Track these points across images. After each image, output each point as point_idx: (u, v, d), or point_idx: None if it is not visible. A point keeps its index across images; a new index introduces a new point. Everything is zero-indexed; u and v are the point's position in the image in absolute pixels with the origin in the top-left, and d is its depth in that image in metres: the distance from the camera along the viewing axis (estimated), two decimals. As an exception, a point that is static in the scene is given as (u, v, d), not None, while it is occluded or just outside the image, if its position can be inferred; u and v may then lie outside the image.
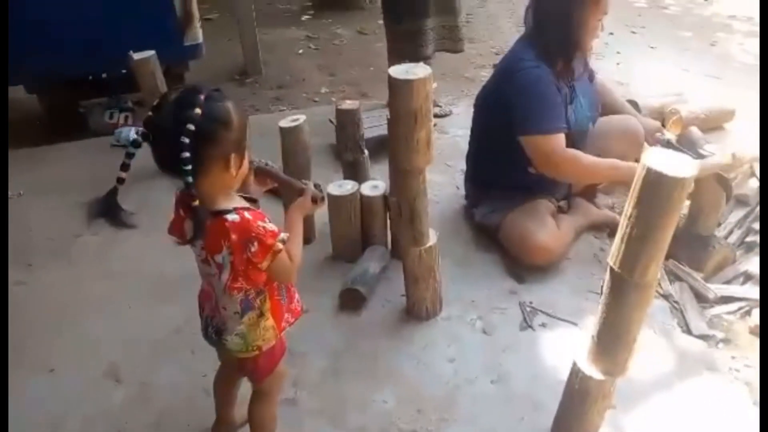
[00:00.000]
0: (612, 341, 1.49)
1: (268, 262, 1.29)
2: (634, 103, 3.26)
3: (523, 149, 2.21)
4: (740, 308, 2.15)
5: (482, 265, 2.38)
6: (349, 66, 4.50)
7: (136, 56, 2.79)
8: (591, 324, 1.51)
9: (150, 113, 1.23)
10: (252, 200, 1.38)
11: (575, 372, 1.57)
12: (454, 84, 3.96)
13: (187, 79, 3.79)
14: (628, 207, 1.32)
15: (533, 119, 2.15)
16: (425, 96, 1.72)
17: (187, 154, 1.16)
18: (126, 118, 3.53)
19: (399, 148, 1.84)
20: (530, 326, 2.10)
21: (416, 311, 2.12)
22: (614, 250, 1.39)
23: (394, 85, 1.72)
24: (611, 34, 4.81)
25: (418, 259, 2.01)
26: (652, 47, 4.59)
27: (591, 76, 2.44)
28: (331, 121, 3.03)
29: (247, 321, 1.40)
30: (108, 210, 1.24)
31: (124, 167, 1.28)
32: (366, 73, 4.37)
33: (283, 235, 1.31)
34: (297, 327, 2.07)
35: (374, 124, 3.14)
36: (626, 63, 4.27)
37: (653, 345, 2.00)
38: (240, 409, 1.72)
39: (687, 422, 1.77)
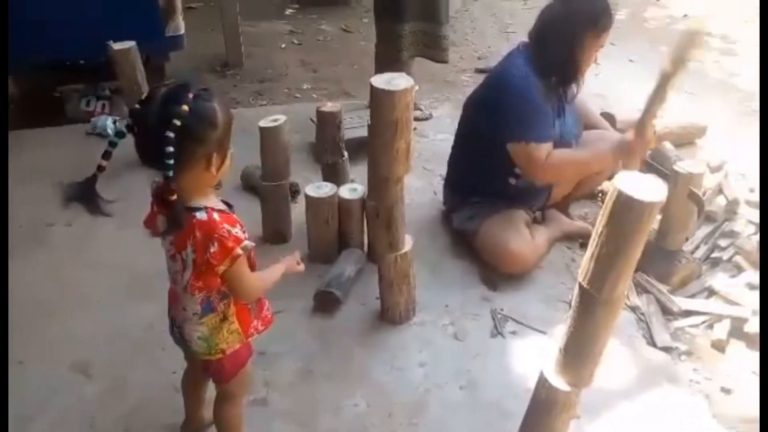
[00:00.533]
0: (579, 354, 1.53)
1: (225, 266, 1.28)
2: (610, 116, 3.33)
3: (509, 157, 2.26)
4: (703, 322, 2.22)
5: (457, 272, 2.42)
6: (332, 63, 4.50)
7: (116, 46, 2.75)
8: (559, 333, 1.55)
9: (137, 105, 1.24)
10: (228, 204, 1.39)
11: (542, 382, 1.61)
12: (435, 87, 3.98)
13: (167, 70, 3.75)
14: (599, 226, 1.36)
15: (524, 127, 2.20)
16: (406, 106, 1.74)
17: (170, 149, 1.16)
18: (103, 106, 3.49)
19: (378, 156, 1.86)
20: (500, 333, 2.14)
21: (390, 315, 2.15)
22: (583, 267, 1.43)
23: (375, 95, 1.74)
24: (592, 44, 4.89)
25: (394, 264, 2.04)
26: (630, 60, 4.67)
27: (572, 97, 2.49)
28: (312, 121, 3.03)
29: (208, 323, 1.39)
30: (85, 195, 1.22)
31: (106, 155, 1.28)
32: (349, 71, 4.36)
33: (246, 243, 1.30)
34: (271, 327, 2.10)
35: (355, 125, 3.15)
36: (605, 75, 4.33)
37: (618, 355, 2.05)
38: (209, 409, 1.72)
39: (647, 432, 1.83)
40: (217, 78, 4.17)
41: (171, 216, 1.25)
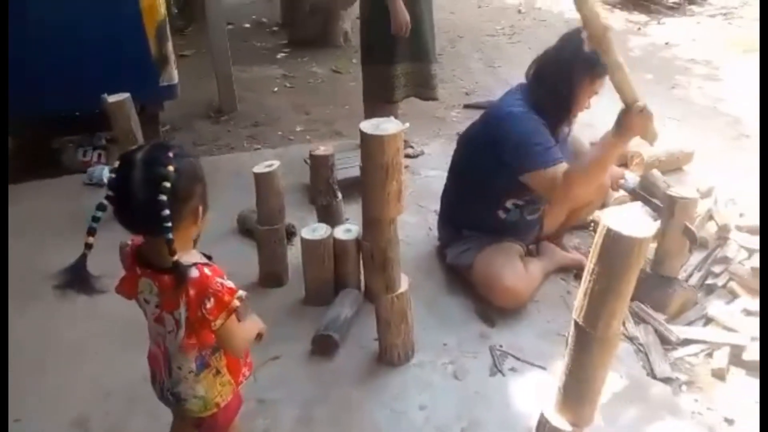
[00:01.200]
0: (578, 393, 1.53)
1: (222, 320, 1.27)
2: (599, 147, 3.38)
3: (500, 191, 2.33)
4: (702, 350, 2.21)
5: (453, 309, 2.42)
6: (324, 104, 4.57)
7: (111, 99, 2.80)
8: (558, 368, 1.55)
9: (113, 174, 1.22)
10: (208, 257, 1.39)
11: (543, 423, 1.61)
12: (425, 124, 4.04)
13: (161, 118, 3.80)
14: (590, 263, 1.38)
15: (540, 155, 2.18)
16: (396, 150, 1.77)
17: (166, 212, 1.16)
18: (99, 156, 3.53)
19: (370, 198, 1.89)
20: (500, 371, 2.13)
21: (388, 357, 2.14)
22: (578, 304, 1.44)
23: (365, 139, 1.77)
24: (578, 75, 4.98)
25: (390, 305, 2.04)
26: (616, 89, 4.75)
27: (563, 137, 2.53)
28: (306, 162, 3.07)
29: (204, 380, 1.38)
30: (77, 278, 1.22)
31: (91, 232, 1.26)
32: (340, 111, 4.43)
33: (241, 293, 1.30)
34: (269, 375, 2.10)
35: (348, 165, 3.19)
36: (593, 104, 4.41)
37: (619, 389, 2.05)
38: None
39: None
40: (210, 124, 4.22)
41: (178, 275, 1.23)
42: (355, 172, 2.98)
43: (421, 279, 2.51)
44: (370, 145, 1.77)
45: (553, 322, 2.34)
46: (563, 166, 2.18)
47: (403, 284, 2.07)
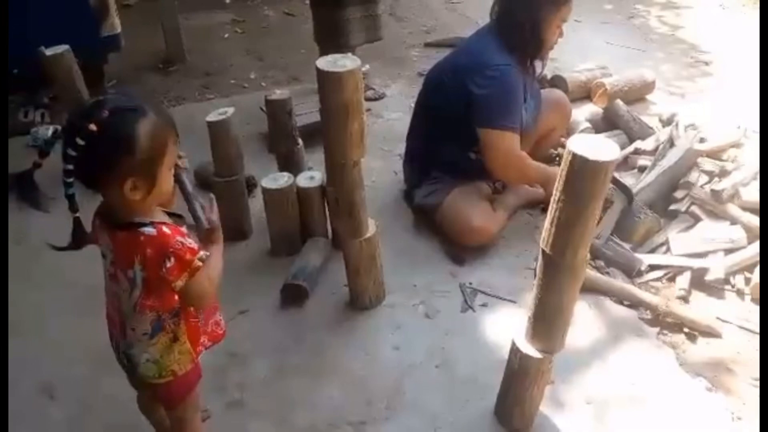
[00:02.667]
0: (548, 321, 1.54)
1: (184, 280, 1.20)
2: (562, 79, 3.36)
3: (471, 132, 2.27)
4: (666, 274, 2.26)
5: (422, 250, 2.41)
6: (277, 49, 4.39)
7: (48, 51, 2.62)
8: (529, 301, 1.55)
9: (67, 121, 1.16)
10: (178, 215, 1.32)
11: (514, 351, 1.62)
12: (385, 65, 3.93)
13: (106, 72, 3.60)
14: (557, 192, 1.36)
15: (501, 115, 2.23)
16: (355, 87, 1.70)
17: (69, 167, 1.09)
18: (42, 115, 3.33)
19: (332, 141, 1.83)
20: (471, 307, 2.14)
21: (360, 302, 2.13)
22: (545, 233, 1.43)
23: (322, 78, 1.69)
24: (537, 8, 4.89)
25: (359, 250, 2.01)
26: (576, 20, 4.67)
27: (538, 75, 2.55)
28: (262, 110, 2.96)
29: (158, 344, 1.31)
30: (21, 187, 1.17)
31: (42, 155, 1.20)
32: (296, 56, 4.27)
33: (202, 254, 1.23)
34: (239, 328, 2.07)
35: (307, 111, 3.09)
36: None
37: (587, 317, 2.09)
38: None
39: (621, 389, 1.87)
40: (159, 76, 4.01)
41: (73, 231, 1.23)
42: (315, 117, 2.87)
43: (389, 222, 2.48)
44: (328, 82, 1.69)
45: (521, 256, 2.36)
46: (517, 137, 2.26)
47: (371, 228, 2.04)
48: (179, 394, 1.41)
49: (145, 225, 1.18)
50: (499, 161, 2.29)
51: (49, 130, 3.16)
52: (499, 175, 2.44)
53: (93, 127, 1.08)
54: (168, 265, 1.18)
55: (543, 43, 2.29)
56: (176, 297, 1.27)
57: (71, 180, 1.11)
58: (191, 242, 1.23)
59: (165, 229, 1.19)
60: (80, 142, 1.07)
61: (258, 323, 2.09)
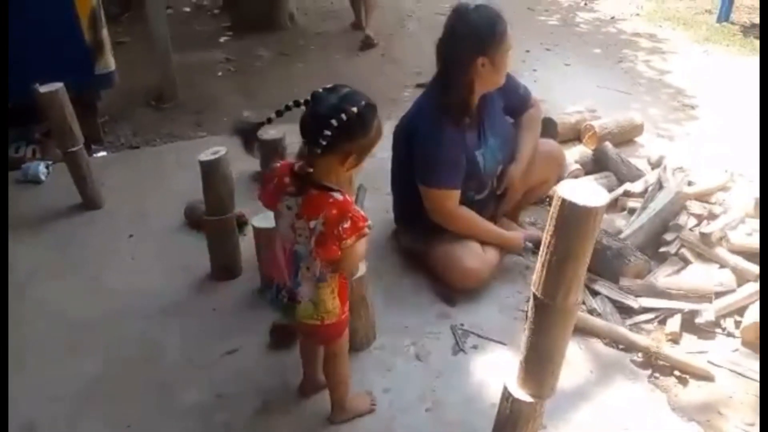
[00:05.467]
0: (539, 365, 1.52)
1: (353, 240, 1.48)
2: (551, 122, 3.41)
3: None
4: (657, 317, 2.25)
5: (413, 290, 2.39)
6: (271, 88, 4.43)
7: (43, 89, 2.63)
8: (520, 343, 1.54)
9: (322, 90, 1.48)
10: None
11: (506, 396, 1.60)
12: (379, 105, 3.96)
13: (99, 108, 3.62)
14: (547, 236, 1.37)
15: (429, 174, 2.24)
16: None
17: (328, 133, 1.39)
18: (34, 151, 3.34)
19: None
20: (462, 349, 2.12)
21: (351, 342, 2.08)
22: (536, 277, 1.43)
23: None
24: (527, 51, 5.00)
25: (349, 291, 1.99)
26: (566, 64, 4.79)
27: (518, 101, 2.48)
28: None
29: (321, 289, 1.58)
30: (247, 134, 1.54)
31: (279, 114, 1.52)
32: (289, 94, 4.27)
33: (370, 222, 1.52)
34: (227, 367, 2.04)
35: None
36: (543, 80, 4.43)
37: (579, 359, 2.07)
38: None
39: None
40: (152, 112, 4.04)
41: (301, 184, 1.47)
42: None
43: (380, 262, 2.47)
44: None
45: (512, 297, 2.35)
46: (452, 194, 2.25)
47: (361, 268, 2.02)
48: (330, 336, 1.70)
49: (334, 190, 1.48)
50: (438, 217, 2.28)
51: (40, 166, 3.16)
52: (449, 229, 2.36)
53: (354, 110, 1.43)
54: (345, 225, 1.46)
55: (466, 88, 2.19)
56: (337, 253, 1.49)
57: (324, 143, 1.40)
58: (363, 212, 1.52)
59: (348, 197, 1.50)
60: (344, 117, 1.40)
61: (246, 363, 2.06)
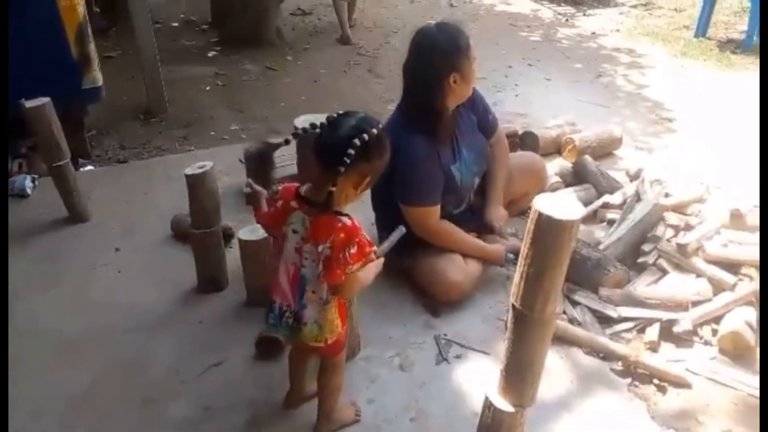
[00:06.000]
0: (519, 374, 1.56)
1: (359, 266, 1.49)
2: (533, 135, 3.48)
3: None
4: (636, 326, 2.30)
5: (398, 301, 2.43)
6: (258, 102, 4.49)
7: (28, 104, 2.65)
8: (501, 352, 1.57)
9: (339, 114, 1.52)
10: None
11: (487, 405, 1.63)
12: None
13: (86, 123, 3.63)
14: (524, 248, 1.41)
15: (408, 193, 2.28)
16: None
17: (351, 152, 1.41)
18: (20, 165, 3.34)
19: (307, 195, 1.86)
20: (445, 359, 2.16)
21: (335, 354, 2.12)
22: (515, 288, 1.47)
23: (301, 137, 1.73)
24: (510, 67, 5.10)
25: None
26: (547, 79, 4.89)
27: (486, 126, 2.51)
28: (241, 161, 3.01)
29: (326, 311, 1.60)
30: (262, 158, 1.58)
31: (295, 135, 1.54)
32: (276, 108, 4.37)
33: (376, 248, 1.56)
34: (213, 380, 2.06)
35: (286, 163, 3.14)
36: (524, 95, 4.53)
37: (559, 369, 2.11)
38: (311, 383, 1.90)
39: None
40: (140, 126, 4.07)
41: (326, 201, 1.46)
42: (293, 169, 2.94)
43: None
44: (306, 140, 1.74)
45: (494, 307, 2.39)
46: (432, 210, 2.28)
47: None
48: (333, 353, 1.72)
49: (342, 215, 1.50)
50: (420, 233, 2.30)
51: (26, 180, 3.16)
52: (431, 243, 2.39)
53: (374, 132, 1.48)
54: (351, 250, 1.47)
55: (436, 103, 2.22)
56: (341, 278, 1.50)
57: (348, 162, 1.42)
58: (368, 237, 1.53)
59: (356, 222, 1.51)
60: (365, 138, 1.44)
61: (232, 375, 2.07)
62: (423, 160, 2.24)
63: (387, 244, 1.78)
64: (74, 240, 2.83)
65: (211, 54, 5.46)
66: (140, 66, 4.12)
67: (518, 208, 2.83)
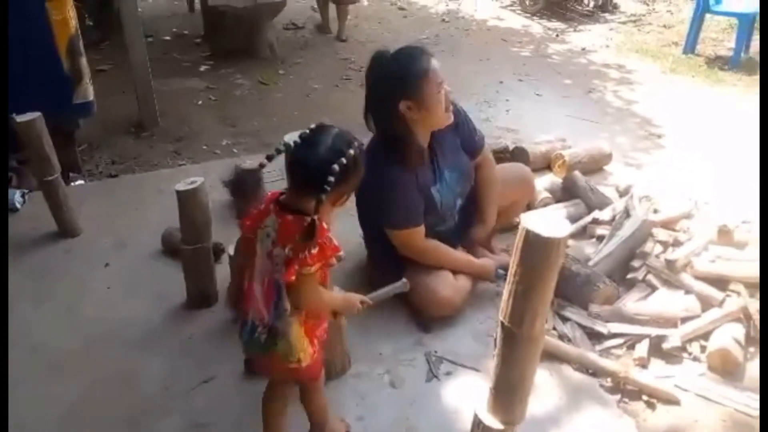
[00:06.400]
0: (508, 392, 1.56)
1: (316, 268, 1.43)
2: (523, 150, 3.50)
3: None
4: (625, 342, 2.31)
5: (388, 318, 2.42)
6: (250, 116, 4.50)
7: (19, 118, 2.65)
8: (492, 368, 1.57)
9: (309, 131, 1.47)
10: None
11: (476, 423, 1.62)
12: (355, 130, 4.03)
13: (77, 136, 3.63)
14: (513, 266, 1.42)
15: (390, 218, 2.28)
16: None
17: (332, 179, 1.38)
18: (10, 179, 3.32)
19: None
20: (436, 376, 2.15)
21: (325, 371, 2.11)
22: (503, 305, 1.47)
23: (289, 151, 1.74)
24: (501, 82, 5.14)
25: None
26: (538, 94, 4.93)
27: (473, 147, 2.48)
28: (223, 183, 3.00)
29: (293, 325, 1.51)
30: (247, 184, 1.61)
31: (269, 158, 1.50)
32: (268, 122, 4.38)
33: (341, 253, 1.48)
34: (203, 397, 2.04)
35: (276, 178, 3.15)
36: (515, 110, 4.56)
37: (549, 385, 2.11)
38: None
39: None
40: (131, 140, 4.07)
41: (308, 230, 1.39)
42: (284, 184, 2.93)
43: (354, 289, 2.49)
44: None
45: (484, 323, 2.39)
46: (416, 231, 2.27)
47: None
48: (310, 377, 1.66)
49: (308, 216, 1.41)
50: (407, 254, 2.32)
51: (16, 194, 3.15)
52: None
53: (352, 152, 1.44)
54: (312, 251, 1.41)
55: (402, 134, 2.19)
56: (293, 277, 1.43)
57: (329, 189, 1.39)
58: (336, 243, 1.47)
59: (324, 224, 1.44)
60: (344, 162, 1.41)
61: (222, 392, 2.06)
62: (399, 184, 2.22)
63: (382, 293, 1.78)
64: (64, 255, 2.82)
65: (203, 68, 5.47)
66: (132, 79, 4.12)
67: (508, 218, 2.83)
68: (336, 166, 1.39)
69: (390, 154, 2.21)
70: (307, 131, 1.48)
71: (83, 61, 3.36)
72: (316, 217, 1.38)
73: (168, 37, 6.34)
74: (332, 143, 1.44)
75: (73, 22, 3.28)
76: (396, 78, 2.12)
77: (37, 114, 2.69)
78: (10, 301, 2.47)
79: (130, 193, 3.33)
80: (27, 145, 2.74)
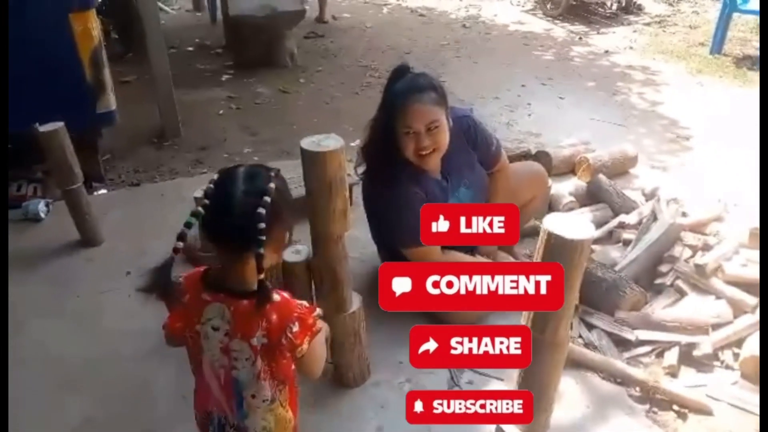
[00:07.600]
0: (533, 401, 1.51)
1: (308, 343, 1.25)
2: (546, 154, 3.44)
3: None
4: (654, 349, 2.24)
5: (409, 324, 2.36)
6: (271, 125, 4.51)
7: (42, 128, 2.68)
8: (515, 376, 1.53)
9: (211, 185, 1.23)
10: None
11: (499, 432, 1.58)
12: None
13: (100, 146, 3.67)
14: (535, 270, 1.37)
15: (403, 237, 2.24)
16: (338, 166, 1.74)
17: (263, 225, 1.16)
18: (35, 189, 3.37)
19: (316, 217, 1.85)
20: (457, 384, 2.10)
21: (344, 379, 2.08)
22: (526, 311, 1.43)
23: (306, 157, 1.74)
24: (523, 86, 5.09)
25: (343, 325, 2.00)
26: (560, 98, 4.86)
27: (488, 159, 2.47)
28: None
29: (275, 410, 1.33)
30: (160, 283, 1.21)
31: (182, 237, 1.23)
32: (288, 130, 4.38)
33: (319, 311, 1.30)
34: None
35: (296, 185, 3.13)
36: (538, 114, 4.50)
37: (574, 394, 2.05)
38: None
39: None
40: (154, 150, 4.10)
41: (262, 297, 1.19)
42: (303, 191, 2.92)
43: (373, 298, 2.45)
44: (311, 161, 1.74)
45: (507, 331, 2.33)
46: (430, 248, 2.19)
47: (355, 303, 2.03)
48: None
49: (271, 290, 1.22)
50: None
51: (40, 204, 3.19)
52: None
53: (273, 186, 1.20)
54: (294, 329, 1.23)
55: (400, 150, 2.19)
56: (291, 366, 1.29)
57: (264, 239, 1.16)
58: (305, 303, 1.27)
59: (285, 294, 1.25)
60: (267, 200, 1.18)
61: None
62: (409, 201, 2.18)
63: None
64: (86, 264, 2.84)
65: (224, 77, 5.52)
66: (155, 90, 4.17)
67: (526, 215, 2.77)
68: (261, 210, 1.16)
69: (397, 171, 2.21)
70: (211, 185, 1.23)
71: (106, 71, 3.40)
72: (262, 277, 1.17)
73: (191, 48, 6.42)
74: (245, 186, 1.21)
75: (96, 33, 3.32)
76: (387, 101, 2.18)
77: (59, 124, 2.72)
78: (30, 311, 2.50)
79: (151, 201, 3.35)
80: (49, 156, 2.77)
